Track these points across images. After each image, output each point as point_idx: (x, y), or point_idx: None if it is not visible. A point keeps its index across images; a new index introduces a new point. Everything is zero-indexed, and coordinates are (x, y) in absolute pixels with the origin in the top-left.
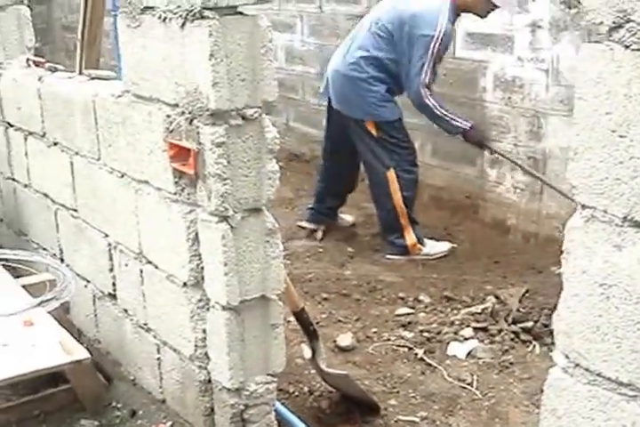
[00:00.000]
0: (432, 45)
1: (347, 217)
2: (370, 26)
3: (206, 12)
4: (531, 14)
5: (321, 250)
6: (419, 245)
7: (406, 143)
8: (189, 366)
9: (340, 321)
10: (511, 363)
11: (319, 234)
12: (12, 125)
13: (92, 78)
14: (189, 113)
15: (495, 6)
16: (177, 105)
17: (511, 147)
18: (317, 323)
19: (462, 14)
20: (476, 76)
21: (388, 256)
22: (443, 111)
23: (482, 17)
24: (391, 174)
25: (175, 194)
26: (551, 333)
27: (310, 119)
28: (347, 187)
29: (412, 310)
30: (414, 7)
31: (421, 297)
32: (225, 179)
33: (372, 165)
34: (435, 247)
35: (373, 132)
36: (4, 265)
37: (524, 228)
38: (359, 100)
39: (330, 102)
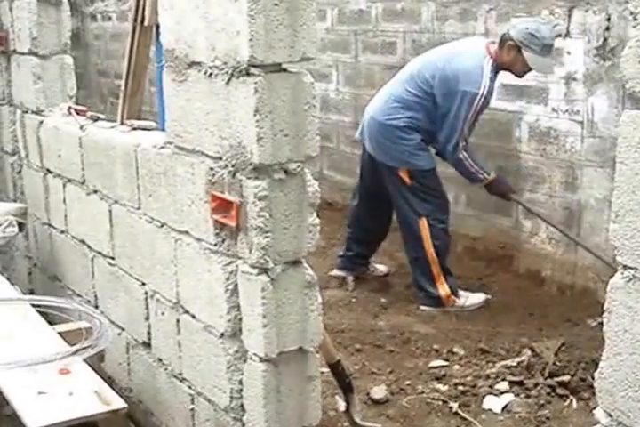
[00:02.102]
0: (476, 102)
1: (380, 267)
2: (409, 77)
3: (252, 69)
4: (565, 66)
5: (354, 300)
6: (453, 297)
7: (439, 192)
8: (224, 417)
9: (373, 373)
10: (548, 418)
11: (350, 283)
12: (51, 172)
13: (134, 128)
14: (233, 166)
15: (529, 69)
16: (220, 158)
17: (546, 198)
18: (350, 374)
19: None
20: (511, 127)
21: (422, 307)
22: (471, 163)
23: (519, 76)
24: (423, 223)
25: (215, 245)
26: (589, 387)
27: (344, 168)
28: (378, 235)
29: (446, 363)
30: (458, 63)
31: (456, 349)
32: (266, 231)
33: (405, 213)
34: (469, 299)
35: (407, 180)
36: (37, 311)
37: (560, 279)
38: (393, 148)
39: (364, 148)
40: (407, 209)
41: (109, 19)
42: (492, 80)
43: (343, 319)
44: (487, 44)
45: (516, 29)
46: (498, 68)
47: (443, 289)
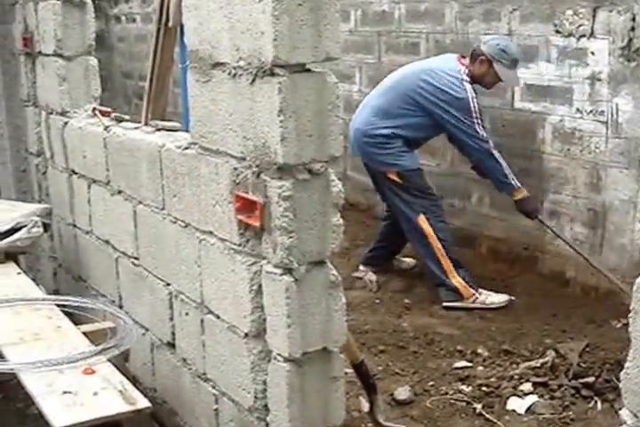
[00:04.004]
0: (471, 105)
1: (407, 260)
2: (390, 88)
3: (276, 70)
4: (590, 67)
5: (378, 301)
6: (472, 290)
7: (430, 190)
8: (248, 417)
9: (397, 374)
10: (572, 419)
11: (374, 284)
12: (75, 173)
13: (159, 129)
14: (257, 166)
15: (500, 80)
16: (244, 158)
17: (570, 199)
18: (374, 375)
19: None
20: (534, 128)
21: (445, 304)
22: (505, 165)
23: (487, 88)
24: (422, 219)
25: (240, 245)
26: (613, 388)
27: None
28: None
29: (470, 364)
30: (440, 79)
31: (479, 350)
32: (290, 232)
33: (404, 213)
34: (491, 297)
35: (398, 180)
36: (62, 311)
37: (584, 280)
38: (379, 153)
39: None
40: (404, 207)
41: (134, 21)
42: (471, 84)
43: (367, 320)
44: (458, 57)
45: (487, 45)
46: (471, 78)
47: (457, 281)
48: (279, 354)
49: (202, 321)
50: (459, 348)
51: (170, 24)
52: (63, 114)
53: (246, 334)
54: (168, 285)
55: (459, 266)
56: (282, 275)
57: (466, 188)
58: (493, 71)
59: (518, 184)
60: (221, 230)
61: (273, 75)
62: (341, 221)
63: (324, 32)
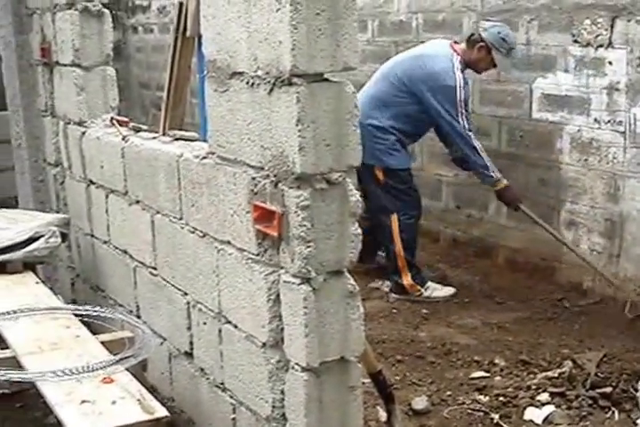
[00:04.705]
0: (458, 93)
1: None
2: (382, 77)
3: (294, 79)
4: (607, 77)
5: (395, 311)
6: (417, 287)
7: (411, 191)
8: None
9: (414, 384)
10: None
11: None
12: (93, 183)
13: (176, 139)
14: (275, 176)
15: (494, 66)
16: (262, 168)
17: (587, 209)
18: (392, 385)
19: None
20: (552, 138)
21: (392, 295)
22: (486, 156)
23: (479, 73)
24: (394, 218)
25: (257, 255)
26: (630, 398)
27: None
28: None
29: (487, 374)
30: (431, 65)
31: (497, 360)
32: (308, 241)
33: (377, 210)
34: (436, 291)
35: (380, 178)
36: (80, 321)
37: (601, 291)
38: (370, 146)
39: None
40: (379, 207)
41: (151, 31)
42: (462, 72)
43: (384, 330)
44: (451, 43)
45: (488, 32)
46: (464, 63)
47: (406, 280)
48: (297, 364)
49: (219, 331)
50: (476, 358)
51: (187, 34)
52: (81, 124)
53: (264, 344)
54: (186, 294)
55: (414, 267)
56: (300, 284)
57: (483, 198)
58: (490, 58)
59: (499, 175)
60: (239, 240)
61: (291, 84)
62: (359, 230)
63: (342, 42)
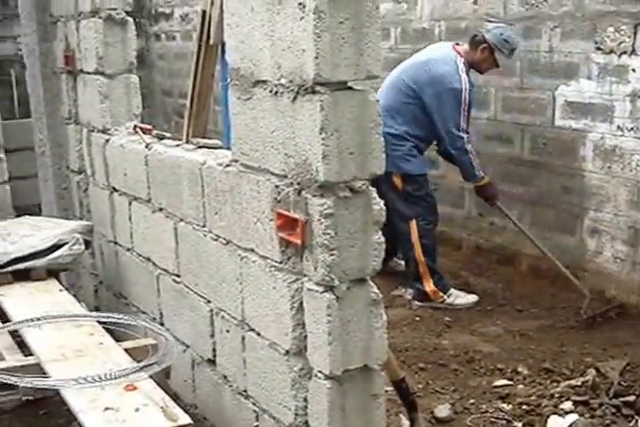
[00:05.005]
0: (463, 96)
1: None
2: (391, 84)
3: (318, 87)
4: (631, 84)
5: (418, 319)
6: (440, 293)
7: (428, 197)
8: None
9: (437, 392)
10: None
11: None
12: (117, 190)
13: (200, 147)
14: (298, 184)
15: (497, 66)
16: (286, 176)
17: (611, 217)
18: (414, 393)
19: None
20: (575, 146)
21: (415, 302)
22: (474, 157)
23: (482, 73)
24: (413, 225)
25: (281, 263)
26: None
27: None
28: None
29: (510, 382)
30: (436, 68)
31: (520, 369)
32: (332, 249)
33: (396, 216)
34: (459, 298)
35: (398, 185)
36: (104, 328)
37: (625, 299)
38: (387, 153)
39: None
40: (397, 213)
41: (173, 38)
42: (467, 74)
43: (407, 338)
44: (453, 45)
45: (491, 33)
46: (468, 65)
47: (428, 286)
48: (320, 371)
49: (243, 338)
50: (499, 366)
51: (211, 42)
52: (104, 131)
53: (287, 352)
54: (209, 302)
55: (434, 272)
56: (323, 292)
57: (506, 206)
58: (493, 58)
59: (482, 174)
60: (262, 248)
61: (314, 93)
62: (383, 238)
63: (366, 50)
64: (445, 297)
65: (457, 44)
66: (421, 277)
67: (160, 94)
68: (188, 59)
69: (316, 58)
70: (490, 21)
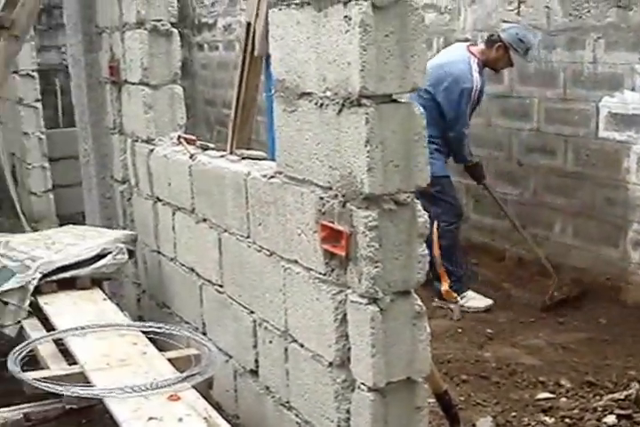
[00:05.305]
0: (473, 94)
1: None
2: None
3: (363, 100)
4: None
5: (459, 330)
6: (454, 294)
7: (450, 199)
8: None
9: (478, 404)
10: None
11: (457, 313)
12: (160, 200)
13: (244, 158)
14: (343, 196)
15: (512, 65)
16: (330, 188)
17: None
18: (457, 405)
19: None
20: (619, 157)
21: (435, 299)
22: (467, 143)
23: (496, 71)
24: (433, 226)
25: (325, 274)
26: None
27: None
28: None
29: (552, 395)
30: (450, 68)
31: (562, 381)
32: (376, 261)
33: None
34: (472, 301)
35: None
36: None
37: None
38: None
39: None
40: None
41: (216, 48)
42: (480, 74)
43: (449, 350)
44: (467, 46)
45: (506, 33)
46: (482, 65)
47: (444, 287)
48: (363, 383)
49: (286, 349)
50: (541, 379)
51: (255, 53)
52: (148, 141)
53: (330, 363)
54: (252, 312)
55: (450, 273)
56: (367, 304)
57: (549, 217)
58: (508, 57)
59: (471, 157)
60: (306, 259)
61: (360, 105)
62: (427, 251)
63: (411, 63)
64: (459, 298)
65: (472, 44)
66: (439, 276)
67: (202, 104)
68: (231, 68)
69: (362, 71)
70: (505, 22)
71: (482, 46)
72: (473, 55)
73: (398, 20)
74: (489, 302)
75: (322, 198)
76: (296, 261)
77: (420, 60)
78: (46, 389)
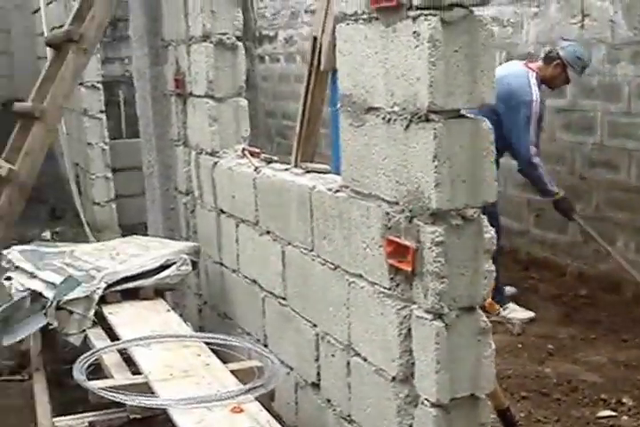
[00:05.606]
0: (533, 107)
1: (506, 288)
2: None
3: (431, 115)
4: None
5: (520, 346)
6: (496, 306)
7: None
8: None
9: (539, 421)
10: None
11: (517, 328)
12: (224, 212)
13: (308, 171)
14: (409, 211)
15: (568, 82)
16: (397, 203)
17: None
18: (518, 422)
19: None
20: None
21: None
22: (543, 172)
23: (553, 89)
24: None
25: (390, 289)
26: None
27: (510, 211)
28: None
29: (614, 413)
30: (508, 83)
31: (624, 399)
32: (442, 277)
33: None
34: (514, 313)
35: None
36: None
37: None
38: None
39: None
40: None
41: (277, 60)
42: (539, 88)
43: (509, 365)
44: (525, 62)
45: (565, 51)
46: (540, 80)
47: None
48: (427, 399)
49: (348, 363)
50: (603, 396)
51: (322, 68)
52: (213, 154)
53: (394, 378)
54: (315, 326)
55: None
56: (432, 320)
57: (612, 233)
58: (565, 75)
59: (556, 189)
60: (371, 274)
61: (428, 120)
62: (493, 267)
63: (480, 78)
64: (501, 310)
65: (529, 61)
66: None
67: (263, 115)
68: (292, 81)
69: (431, 86)
70: (564, 39)
71: (539, 63)
72: (531, 70)
73: (467, 36)
74: (531, 314)
75: (388, 213)
76: (361, 276)
77: (488, 75)
78: (112, 398)
